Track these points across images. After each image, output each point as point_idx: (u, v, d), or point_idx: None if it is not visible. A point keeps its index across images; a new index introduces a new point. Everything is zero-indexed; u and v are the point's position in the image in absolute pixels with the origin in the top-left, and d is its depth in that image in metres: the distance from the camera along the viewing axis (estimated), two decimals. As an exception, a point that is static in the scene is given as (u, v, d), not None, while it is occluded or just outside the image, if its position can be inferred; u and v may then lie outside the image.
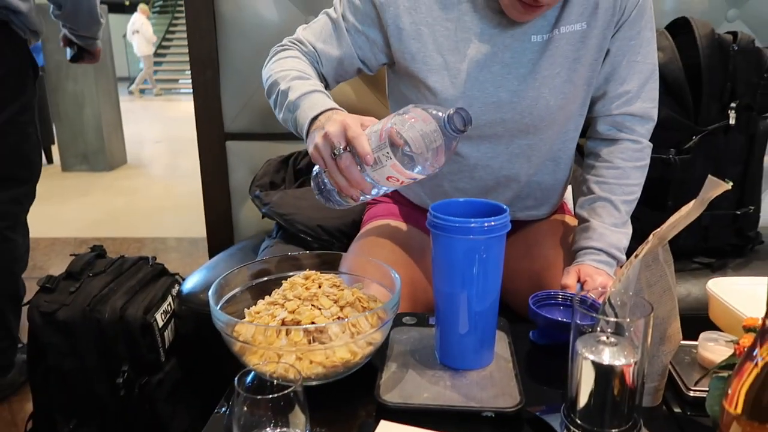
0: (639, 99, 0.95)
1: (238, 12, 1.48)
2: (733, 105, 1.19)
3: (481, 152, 0.94)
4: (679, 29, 1.24)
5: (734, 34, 1.21)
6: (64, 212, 3.64)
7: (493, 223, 0.65)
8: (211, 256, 1.63)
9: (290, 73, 0.87)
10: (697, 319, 0.80)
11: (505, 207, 0.69)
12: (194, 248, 2.94)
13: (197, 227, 3.26)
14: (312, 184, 0.83)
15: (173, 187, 4.26)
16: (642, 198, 1.26)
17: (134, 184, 4.42)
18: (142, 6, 11.08)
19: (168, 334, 1.19)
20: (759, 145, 1.25)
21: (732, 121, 1.19)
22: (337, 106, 0.80)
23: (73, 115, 4.49)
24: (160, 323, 1.17)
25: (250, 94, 1.54)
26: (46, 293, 1.16)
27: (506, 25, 0.88)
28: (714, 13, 1.48)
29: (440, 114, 0.66)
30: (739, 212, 1.26)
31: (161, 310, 1.18)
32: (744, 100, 1.20)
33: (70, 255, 1.30)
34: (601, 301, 0.60)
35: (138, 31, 10.82)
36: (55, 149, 4.71)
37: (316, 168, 0.82)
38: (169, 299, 1.23)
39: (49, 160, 4.72)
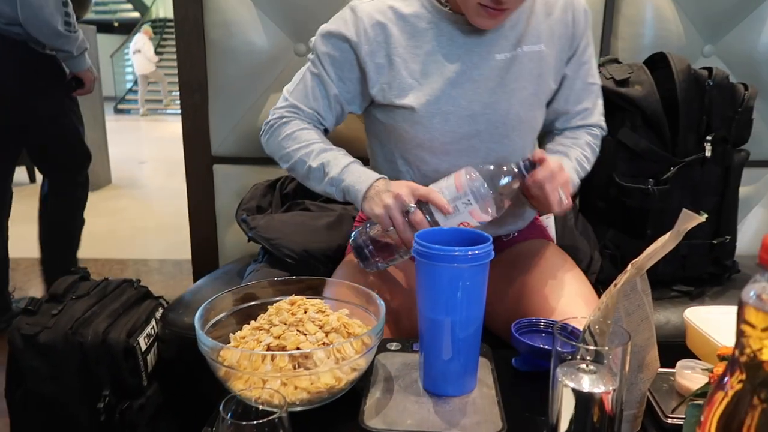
0: (595, 113, 1.07)
1: (228, 38, 1.50)
2: (708, 138, 1.23)
3: (461, 165, 0.94)
4: (656, 64, 1.29)
5: (709, 69, 1.25)
6: (46, 232, 3.59)
7: (476, 252, 0.66)
8: (195, 279, 1.63)
9: (312, 147, 0.97)
10: (676, 346, 0.82)
11: (488, 236, 0.71)
12: (178, 270, 2.92)
13: (181, 249, 3.24)
14: (353, 250, 0.95)
15: (157, 208, 4.24)
16: (622, 226, 1.29)
17: (118, 204, 4.39)
18: (146, 27, 11.41)
19: (151, 358, 1.18)
20: (734, 176, 1.29)
21: (708, 154, 1.23)
22: (378, 175, 0.92)
23: (58, 135, 4.45)
24: (143, 347, 1.16)
25: (238, 118, 1.55)
26: (27, 316, 1.15)
27: (471, 46, 0.95)
28: (691, 49, 1.53)
29: (504, 166, 0.86)
30: (715, 242, 1.29)
31: (144, 333, 1.18)
32: (719, 133, 1.24)
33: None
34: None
35: (140, 51, 10.97)
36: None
37: (355, 235, 0.94)
38: (153, 323, 1.22)
39: (32, 180, 4.68)
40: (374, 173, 0.93)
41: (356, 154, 1.01)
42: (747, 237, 1.65)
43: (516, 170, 0.88)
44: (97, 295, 1.20)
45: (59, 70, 2.08)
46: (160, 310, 1.27)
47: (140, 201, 4.55)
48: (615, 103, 1.26)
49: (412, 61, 0.95)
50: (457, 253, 0.66)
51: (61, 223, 2.40)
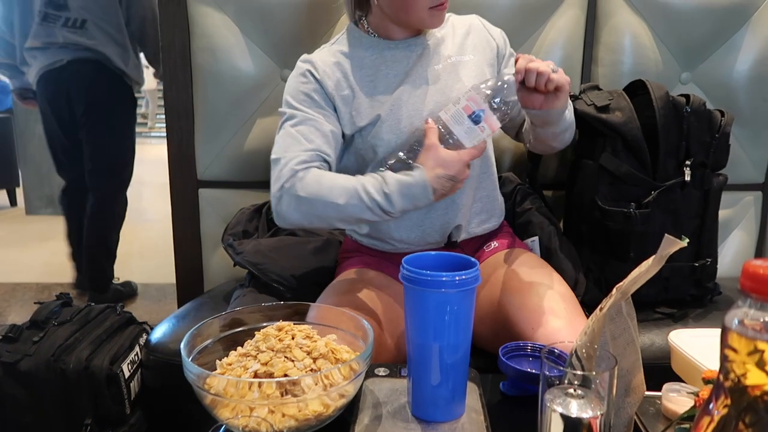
0: None
1: (214, 64, 1.51)
2: (688, 162, 1.26)
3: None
4: (636, 91, 1.32)
5: (687, 96, 1.28)
6: (27, 256, 3.55)
7: (464, 277, 0.67)
8: (180, 303, 1.61)
9: (347, 188, 0.98)
10: (661, 368, 0.83)
11: (475, 261, 0.72)
12: (161, 294, 2.88)
13: (164, 272, 3.21)
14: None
15: (140, 232, 4.19)
16: (605, 249, 1.31)
17: (101, 228, 4.33)
18: None
19: (134, 385, 1.16)
20: (713, 200, 1.32)
21: (687, 178, 1.25)
22: (408, 173, 0.97)
23: (40, 158, 4.42)
24: (127, 374, 1.14)
25: (225, 143, 1.56)
26: (8, 343, 1.12)
27: (413, 64, 1.10)
28: (668, 76, 1.57)
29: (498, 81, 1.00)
30: (697, 264, 1.31)
31: (128, 360, 1.16)
32: (698, 158, 1.27)
33: (34, 303, 1.27)
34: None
35: (148, 67, 11.03)
36: (19, 192, 4.61)
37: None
38: (137, 349, 1.20)
39: (13, 203, 4.62)
40: (406, 177, 0.97)
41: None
42: (727, 260, 1.67)
43: (506, 78, 1.00)
44: (80, 322, 1.18)
45: (129, 90, 2.51)
46: (144, 336, 1.25)
47: (124, 224, 4.48)
48: (596, 128, 1.29)
49: (370, 86, 1.10)
50: (444, 279, 0.67)
51: (104, 238, 2.70)
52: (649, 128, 1.25)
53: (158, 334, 1.23)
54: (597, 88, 1.40)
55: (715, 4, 1.52)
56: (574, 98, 1.34)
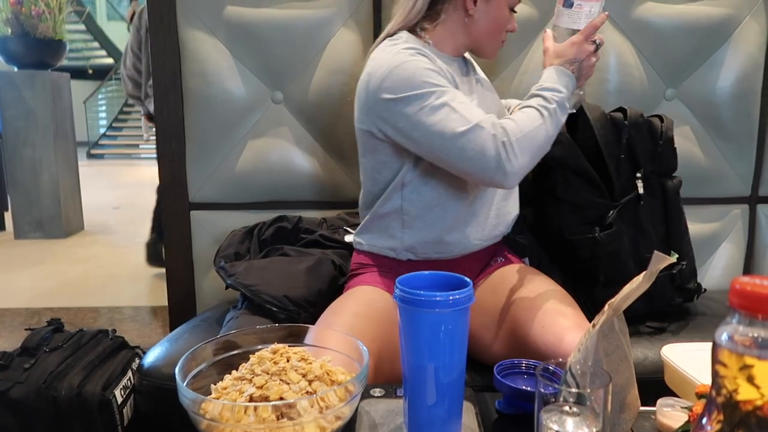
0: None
1: (206, 87, 1.52)
2: (638, 175, 1.28)
3: None
4: (573, 116, 1.33)
5: (624, 111, 1.32)
6: (16, 281, 3.51)
7: (458, 296, 0.67)
8: (172, 326, 1.60)
9: (534, 112, 1.06)
10: (655, 382, 0.84)
11: (468, 281, 0.72)
12: (152, 317, 2.86)
13: (155, 295, 3.20)
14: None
15: (131, 255, 4.17)
16: (574, 275, 1.32)
17: (90, 251, 4.31)
18: None
19: (127, 411, 1.15)
20: (673, 204, 1.33)
21: (641, 190, 1.27)
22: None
23: (29, 182, 4.41)
24: (119, 399, 1.13)
25: (216, 165, 1.56)
26: (-2, 371, 1.12)
27: (459, 77, 1.16)
28: (653, 93, 1.60)
29: None
30: (674, 271, 1.31)
31: (121, 385, 1.15)
32: (647, 167, 1.29)
33: (25, 329, 1.26)
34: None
35: None
36: (8, 216, 4.58)
37: None
38: (129, 374, 1.20)
39: (1, 227, 4.59)
40: (547, 75, 1.10)
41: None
42: (717, 272, 1.69)
43: None
44: (72, 347, 1.18)
45: None
46: (137, 361, 1.24)
47: (113, 247, 4.48)
48: (544, 163, 1.30)
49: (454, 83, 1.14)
50: (438, 299, 0.67)
51: None
52: (592, 150, 1.27)
53: (151, 358, 1.22)
54: None
55: (696, 23, 1.56)
56: None
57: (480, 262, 1.23)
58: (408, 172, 1.12)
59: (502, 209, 1.22)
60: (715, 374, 0.40)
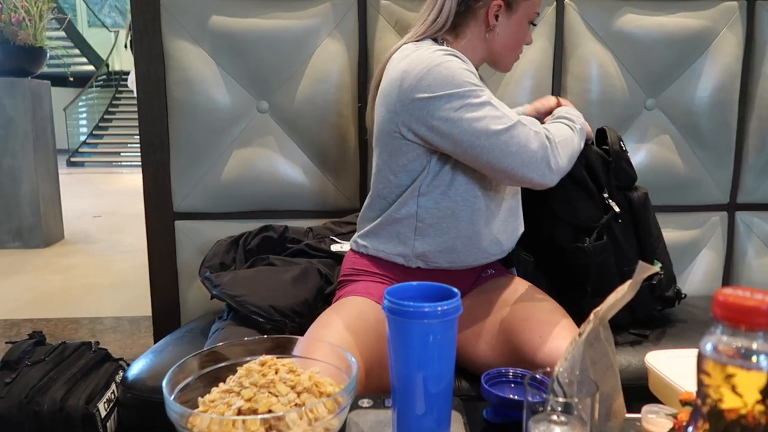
0: None
1: (190, 96, 1.51)
2: (605, 195, 1.28)
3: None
4: None
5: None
6: (-7, 292, 3.45)
7: (446, 307, 0.68)
8: (156, 337, 1.59)
9: (563, 126, 1.14)
10: (640, 389, 0.85)
11: (456, 291, 0.73)
12: (135, 328, 2.82)
13: (137, 305, 3.16)
14: None
15: (112, 264, 4.12)
16: (562, 284, 1.33)
17: (71, 261, 4.25)
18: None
19: (111, 425, 1.14)
20: (641, 216, 1.33)
21: (617, 209, 1.27)
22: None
23: (9, 191, 4.34)
24: (103, 413, 1.12)
25: (201, 175, 1.56)
26: (-22, 385, 1.09)
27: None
28: (634, 102, 1.63)
29: None
30: (653, 282, 1.33)
31: (104, 398, 1.14)
32: (609, 186, 1.29)
33: (6, 342, 1.24)
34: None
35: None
36: (-14, 225, 4.50)
37: None
38: (113, 387, 1.18)
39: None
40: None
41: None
42: (697, 278, 1.72)
43: None
44: (54, 360, 1.16)
45: None
46: (121, 373, 1.23)
47: (94, 256, 4.42)
48: None
49: None
50: (427, 309, 0.68)
51: None
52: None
53: (135, 370, 1.21)
54: None
55: (675, 35, 1.59)
56: None
57: (474, 273, 1.23)
58: (427, 178, 1.11)
59: (512, 224, 1.21)
60: (700, 383, 0.41)
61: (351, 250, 1.26)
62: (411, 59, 1.07)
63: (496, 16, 1.14)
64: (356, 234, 1.26)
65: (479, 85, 1.05)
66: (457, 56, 1.07)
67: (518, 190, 1.24)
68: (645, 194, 1.34)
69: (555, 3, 1.59)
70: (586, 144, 1.25)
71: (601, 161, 1.29)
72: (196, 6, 1.50)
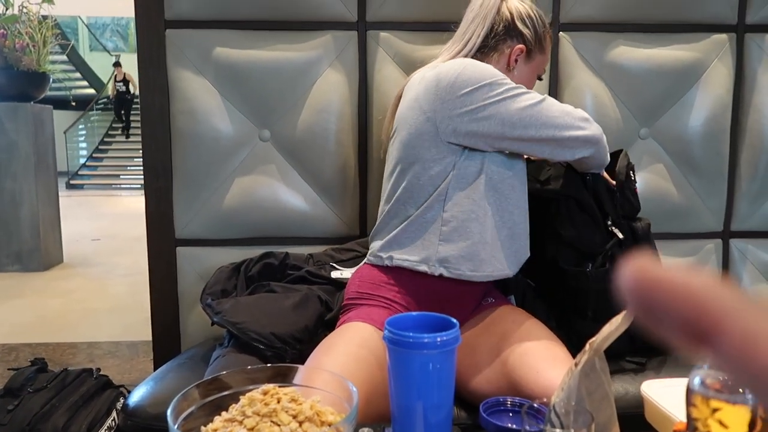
0: None
1: (194, 125, 1.54)
2: (609, 222, 1.31)
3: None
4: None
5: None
6: (-8, 316, 3.45)
7: (445, 338, 0.70)
8: (156, 363, 1.59)
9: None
10: (636, 417, 0.86)
11: (455, 321, 0.74)
12: (134, 353, 2.82)
13: (136, 329, 3.15)
14: None
15: (111, 287, 4.13)
16: (564, 306, 1.35)
17: (70, 284, 4.25)
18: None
19: (111, 453, 1.14)
20: (642, 246, 1.35)
21: (620, 235, 1.30)
22: None
23: (9, 214, 4.36)
24: (104, 441, 1.12)
25: (203, 202, 1.58)
26: (-20, 412, 1.10)
27: None
28: (628, 132, 1.66)
29: None
30: None
31: (105, 426, 1.14)
32: (613, 214, 1.32)
33: (8, 369, 1.25)
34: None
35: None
36: (-15, 249, 4.51)
37: None
38: (114, 414, 1.19)
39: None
40: None
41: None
42: (694, 305, 1.73)
43: None
44: (56, 388, 1.17)
45: None
46: (122, 400, 1.23)
47: (93, 280, 4.42)
48: (546, 197, 1.33)
49: None
50: (426, 340, 0.70)
51: None
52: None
53: (136, 397, 1.22)
54: (530, 161, 1.45)
55: (667, 66, 1.63)
56: None
57: (477, 299, 1.25)
58: (453, 181, 1.15)
59: (523, 246, 1.24)
60: (689, 416, 0.43)
61: (367, 264, 1.27)
62: (440, 67, 1.16)
63: (516, 60, 1.24)
64: (375, 247, 1.25)
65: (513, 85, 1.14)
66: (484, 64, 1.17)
67: (527, 210, 1.25)
68: (648, 225, 1.37)
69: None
70: (593, 173, 1.31)
71: (606, 189, 1.33)
72: (201, 38, 1.55)
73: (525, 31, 1.23)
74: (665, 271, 0.19)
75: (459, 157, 1.15)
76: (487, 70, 1.12)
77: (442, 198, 1.16)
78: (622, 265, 0.20)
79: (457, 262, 1.16)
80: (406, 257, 1.18)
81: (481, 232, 1.16)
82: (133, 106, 12.80)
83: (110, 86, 12.80)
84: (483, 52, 1.24)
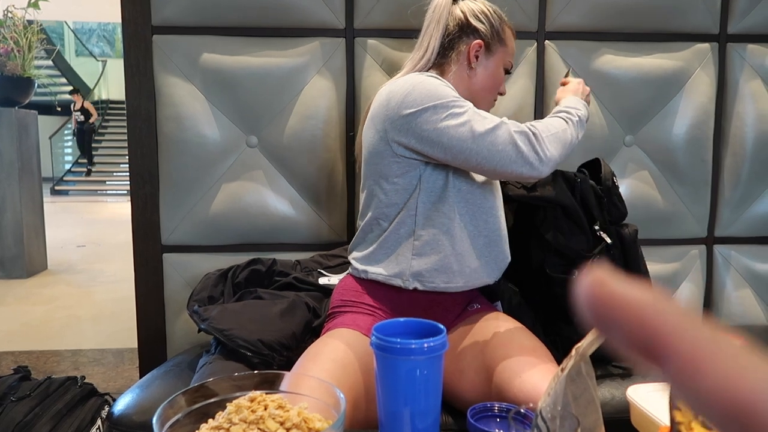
0: None
1: (180, 131, 1.54)
2: (596, 227, 1.32)
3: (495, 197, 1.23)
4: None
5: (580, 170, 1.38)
6: (-27, 324, 3.39)
7: (432, 344, 0.70)
8: (142, 370, 1.58)
9: (559, 120, 1.18)
10: (622, 422, 0.87)
11: (442, 327, 0.75)
12: (119, 360, 2.79)
13: (121, 337, 3.12)
14: None
15: (95, 295, 4.08)
16: (553, 313, 1.36)
17: (54, 291, 4.20)
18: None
19: (96, 462, 1.13)
20: (630, 251, 1.37)
21: (609, 240, 1.32)
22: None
23: (-9, 221, 4.30)
24: (88, 450, 1.11)
25: (190, 208, 1.57)
26: (-39, 422, 1.08)
27: None
28: (613, 139, 1.68)
29: None
30: None
31: (89, 435, 1.13)
32: (600, 219, 1.33)
33: (-11, 377, 1.23)
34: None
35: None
36: (-33, 255, 4.44)
37: None
38: (99, 422, 1.17)
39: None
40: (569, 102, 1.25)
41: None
42: (678, 310, 1.75)
43: None
44: (40, 396, 1.15)
45: None
46: (107, 408, 1.22)
47: (78, 287, 4.38)
48: (533, 204, 1.34)
49: None
50: (413, 346, 0.70)
51: None
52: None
53: (121, 405, 1.20)
54: None
55: (651, 74, 1.65)
56: (502, 184, 1.38)
57: (460, 306, 1.25)
58: (420, 195, 1.15)
59: (503, 252, 1.24)
60: (672, 420, 0.44)
61: (349, 274, 1.28)
62: (395, 83, 1.16)
63: (477, 56, 1.23)
64: (353, 260, 1.27)
65: (461, 99, 1.12)
66: (438, 78, 1.15)
67: (502, 216, 1.26)
68: (636, 231, 1.39)
69: (536, 44, 1.65)
70: (582, 178, 1.32)
71: (594, 195, 1.34)
72: (188, 43, 1.54)
73: (480, 26, 1.23)
74: (620, 285, 0.19)
75: (423, 171, 1.15)
76: (435, 92, 1.09)
77: (412, 213, 1.16)
78: (580, 277, 0.20)
79: (431, 275, 1.17)
80: (380, 271, 1.19)
81: (453, 244, 1.16)
82: (95, 137, 12.03)
83: (73, 117, 11.80)
84: (442, 54, 1.24)
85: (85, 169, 12.19)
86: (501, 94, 1.30)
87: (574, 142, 1.18)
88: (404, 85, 1.12)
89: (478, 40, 1.23)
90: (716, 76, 1.71)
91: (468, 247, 1.18)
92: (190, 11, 1.53)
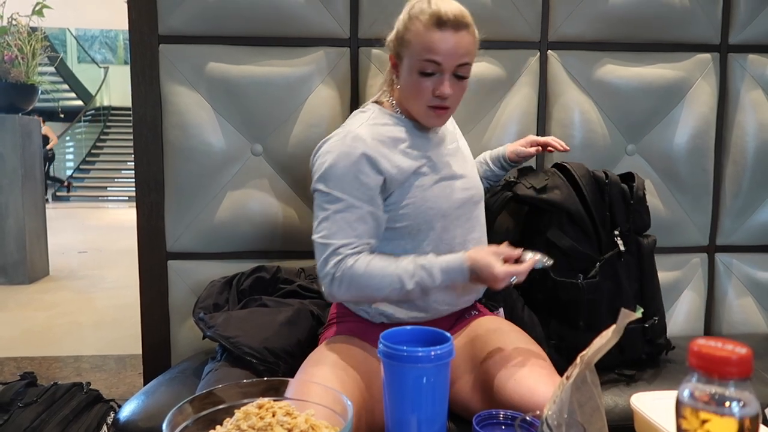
0: None
1: (186, 139, 1.55)
2: (616, 232, 1.34)
3: (464, 229, 1.20)
4: (560, 172, 1.41)
5: (605, 172, 1.40)
6: (-25, 330, 3.40)
7: (439, 352, 0.71)
8: (146, 377, 1.58)
9: (397, 274, 1.07)
10: (626, 429, 0.88)
11: (449, 335, 0.76)
12: (121, 366, 2.79)
13: (123, 343, 3.13)
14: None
15: (97, 301, 4.09)
16: (559, 317, 1.37)
17: (56, 297, 4.20)
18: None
19: (102, 468, 1.14)
20: (647, 262, 1.40)
21: (622, 247, 1.33)
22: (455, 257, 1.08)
23: (-9, 228, 4.31)
24: (94, 456, 1.11)
25: (195, 215, 1.58)
26: (-32, 428, 1.09)
27: (435, 139, 1.21)
28: (615, 148, 1.70)
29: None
30: (646, 325, 1.37)
31: (96, 441, 1.13)
32: (623, 226, 1.36)
33: (-3, 384, 1.24)
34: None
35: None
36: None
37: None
38: (105, 428, 1.18)
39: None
40: (448, 258, 1.08)
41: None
42: (680, 318, 1.76)
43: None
44: (46, 402, 1.16)
45: None
46: (112, 415, 1.23)
47: (79, 293, 4.38)
48: (540, 207, 1.36)
49: (409, 157, 1.15)
50: (420, 354, 0.71)
51: None
52: (575, 206, 1.34)
53: (127, 412, 1.21)
54: (531, 169, 1.49)
55: (653, 84, 1.67)
56: (513, 183, 1.40)
57: (454, 316, 1.26)
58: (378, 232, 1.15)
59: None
60: (678, 427, 0.45)
61: None
62: (333, 137, 1.15)
63: (397, 69, 1.18)
64: None
65: (354, 198, 1.09)
66: (367, 152, 1.10)
67: (483, 223, 1.26)
68: (654, 241, 1.41)
69: (538, 54, 1.66)
70: (613, 179, 1.37)
71: (622, 199, 1.35)
72: (194, 53, 1.56)
73: (389, 39, 1.19)
74: None
75: (375, 209, 1.12)
76: (329, 177, 1.09)
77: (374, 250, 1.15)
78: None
79: (395, 312, 1.17)
80: (350, 307, 1.23)
81: None
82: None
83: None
84: (391, 77, 1.22)
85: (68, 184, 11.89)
86: (439, 98, 1.12)
87: (378, 297, 1.12)
88: (328, 147, 1.12)
89: (390, 55, 1.19)
90: (717, 86, 1.72)
91: None
92: (196, 21, 1.55)
